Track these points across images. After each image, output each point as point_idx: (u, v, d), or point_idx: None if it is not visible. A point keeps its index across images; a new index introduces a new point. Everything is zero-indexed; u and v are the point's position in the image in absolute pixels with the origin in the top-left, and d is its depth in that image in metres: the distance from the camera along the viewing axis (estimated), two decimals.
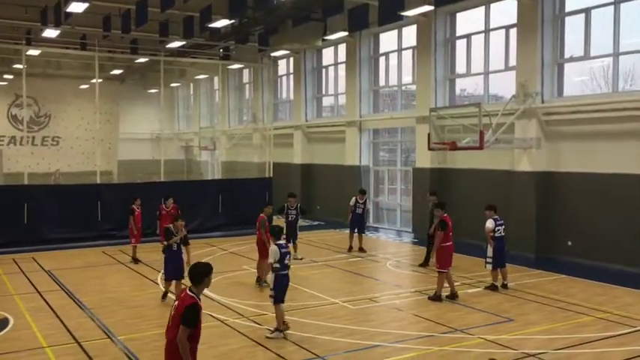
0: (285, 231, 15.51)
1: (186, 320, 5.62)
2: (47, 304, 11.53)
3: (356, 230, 17.21)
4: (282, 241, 9.70)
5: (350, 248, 17.15)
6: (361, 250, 17.06)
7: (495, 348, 8.87)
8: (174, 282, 11.25)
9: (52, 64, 31.73)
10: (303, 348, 8.88)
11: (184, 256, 11.26)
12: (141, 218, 15.98)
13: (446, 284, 11.76)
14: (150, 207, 16.97)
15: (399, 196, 22.58)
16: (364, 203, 17.37)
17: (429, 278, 13.75)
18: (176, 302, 5.85)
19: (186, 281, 9.43)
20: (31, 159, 24.47)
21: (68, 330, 9.81)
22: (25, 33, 23.55)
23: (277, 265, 9.40)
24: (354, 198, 17.36)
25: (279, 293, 9.42)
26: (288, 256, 9.55)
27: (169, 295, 11.14)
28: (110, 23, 21.90)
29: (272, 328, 9.49)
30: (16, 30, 23.79)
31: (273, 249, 9.45)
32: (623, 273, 13.95)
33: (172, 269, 11.16)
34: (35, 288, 12.89)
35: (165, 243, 11.27)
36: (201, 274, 5.86)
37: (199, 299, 5.79)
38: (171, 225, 11.40)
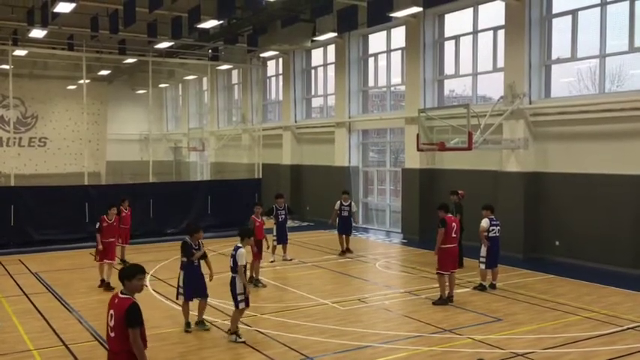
0: (275, 232, 15.66)
1: (132, 321, 5.45)
2: (34, 306, 11.43)
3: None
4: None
5: (342, 252, 16.91)
6: (348, 250, 17.03)
7: (484, 348, 8.91)
8: (197, 301, 9.98)
9: (39, 65, 31.45)
10: (293, 349, 8.88)
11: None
12: (129, 219, 15.91)
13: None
14: (138, 208, 16.85)
15: (388, 197, 22.63)
16: (349, 205, 17.08)
17: (418, 279, 13.81)
18: (111, 311, 5.56)
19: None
20: (17, 160, 24.28)
21: (55, 332, 9.74)
22: (11, 33, 23.36)
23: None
24: (338, 202, 17.15)
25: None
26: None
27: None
28: (98, 23, 21.76)
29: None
30: (2, 30, 23.59)
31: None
32: (610, 272, 14.07)
33: (195, 287, 9.90)
34: (22, 290, 12.78)
35: (184, 259, 9.90)
36: (132, 274, 5.67)
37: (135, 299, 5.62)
38: (187, 237, 10.05)
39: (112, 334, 5.54)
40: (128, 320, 5.44)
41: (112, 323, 5.54)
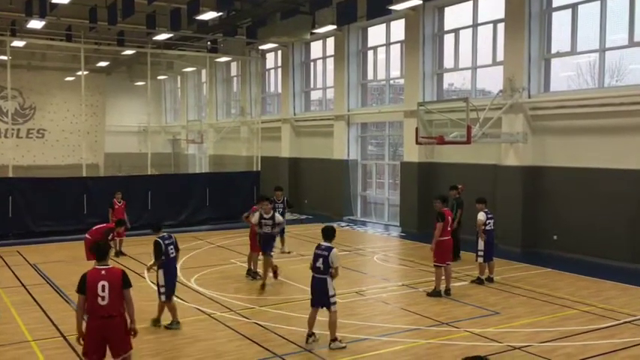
0: None
1: (129, 283, 6.59)
2: (32, 297, 11.45)
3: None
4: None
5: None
6: (273, 272, 12.85)
7: (481, 341, 8.94)
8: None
9: (37, 56, 31.34)
10: (291, 341, 8.89)
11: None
12: (123, 212, 15.96)
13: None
14: (135, 200, 16.76)
15: (386, 190, 22.63)
16: (272, 218, 12.43)
17: (416, 272, 13.83)
18: (102, 282, 6.39)
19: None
20: (15, 151, 24.22)
21: (53, 323, 9.75)
22: (9, 24, 23.23)
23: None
24: (257, 213, 12.54)
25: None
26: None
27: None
28: (96, 15, 21.66)
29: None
30: (0, 21, 23.47)
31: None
32: (607, 266, 14.11)
33: (174, 285, 9.73)
34: (20, 282, 12.79)
35: (156, 262, 9.48)
36: (107, 251, 6.76)
37: None
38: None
39: (106, 302, 6.36)
40: (126, 282, 6.53)
41: (104, 293, 6.36)
